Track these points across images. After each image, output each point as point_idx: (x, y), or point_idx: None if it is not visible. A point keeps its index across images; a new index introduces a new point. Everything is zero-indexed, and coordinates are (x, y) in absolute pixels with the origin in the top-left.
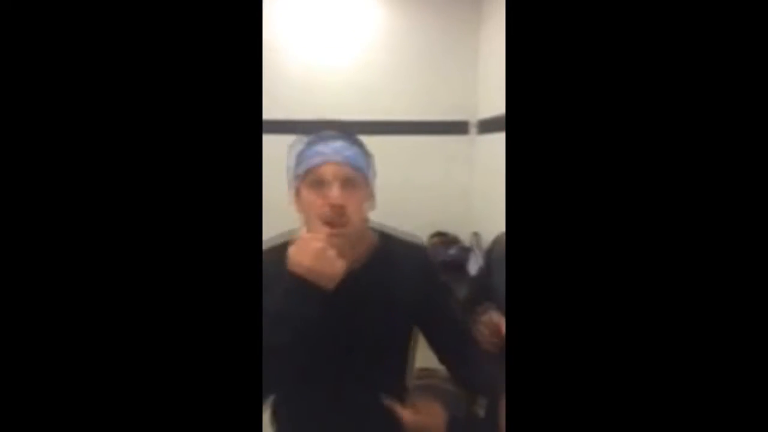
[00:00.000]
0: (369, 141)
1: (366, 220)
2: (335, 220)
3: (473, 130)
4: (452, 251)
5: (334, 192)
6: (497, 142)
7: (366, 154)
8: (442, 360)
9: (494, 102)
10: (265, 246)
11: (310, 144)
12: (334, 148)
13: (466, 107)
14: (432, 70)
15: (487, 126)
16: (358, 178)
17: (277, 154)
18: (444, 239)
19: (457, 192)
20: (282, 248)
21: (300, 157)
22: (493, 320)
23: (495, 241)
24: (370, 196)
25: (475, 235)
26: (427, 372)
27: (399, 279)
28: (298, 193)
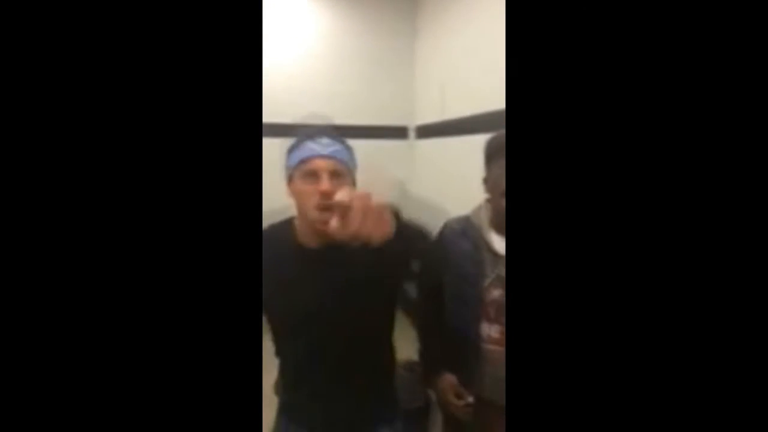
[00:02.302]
0: None
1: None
2: (326, 205)
3: (412, 134)
4: None
5: (324, 182)
6: (435, 146)
7: (348, 148)
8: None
9: (431, 108)
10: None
11: (300, 141)
12: (321, 144)
13: (405, 113)
14: (372, 78)
15: (425, 131)
16: (343, 170)
17: None
18: None
19: (396, 194)
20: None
21: (292, 152)
22: (452, 383)
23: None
24: (352, 184)
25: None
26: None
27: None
28: (291, 182)
